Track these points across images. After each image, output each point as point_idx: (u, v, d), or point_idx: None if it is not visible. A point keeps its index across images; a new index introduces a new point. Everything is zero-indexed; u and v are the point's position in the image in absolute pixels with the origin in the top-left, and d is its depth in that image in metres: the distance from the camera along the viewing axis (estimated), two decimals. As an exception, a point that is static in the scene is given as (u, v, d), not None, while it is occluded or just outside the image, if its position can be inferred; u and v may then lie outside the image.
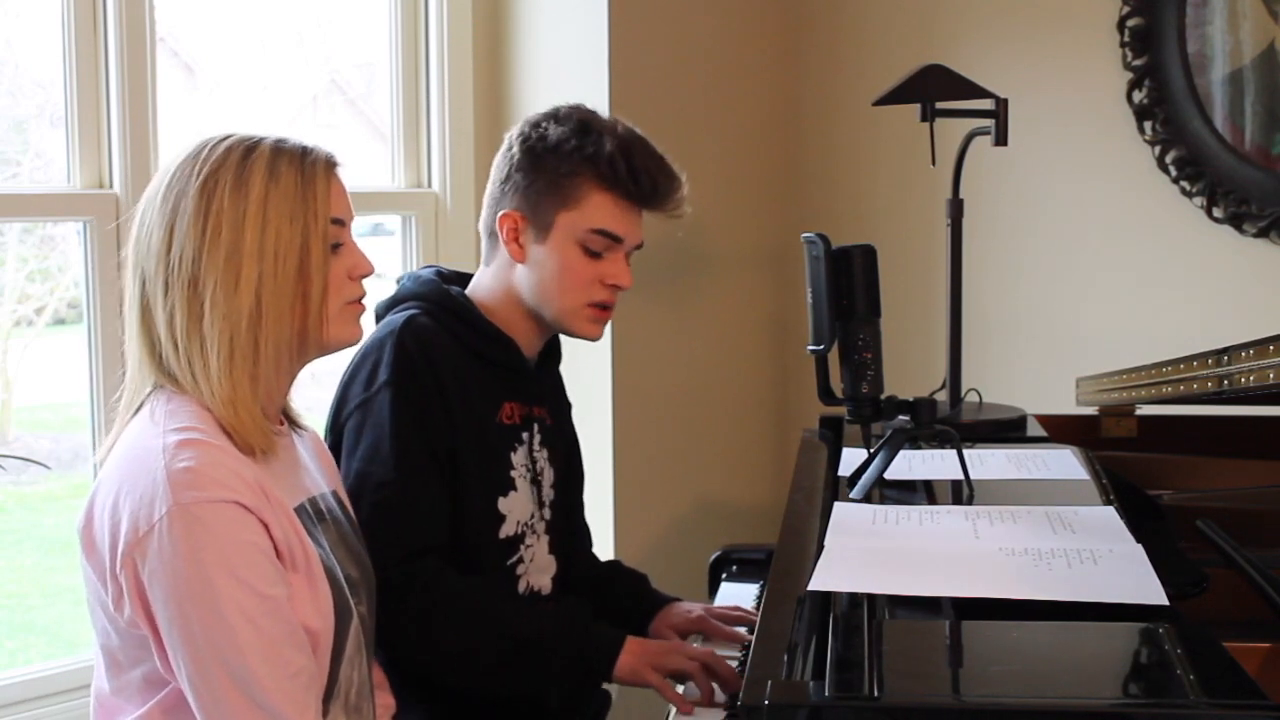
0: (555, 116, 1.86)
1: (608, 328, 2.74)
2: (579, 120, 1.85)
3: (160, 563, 1.33)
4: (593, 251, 1.84)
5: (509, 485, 1.86)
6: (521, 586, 1.89)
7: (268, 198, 1.44)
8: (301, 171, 1.46)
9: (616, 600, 2.04)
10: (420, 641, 1.74)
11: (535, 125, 1.86)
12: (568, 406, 2.07)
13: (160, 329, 1.44)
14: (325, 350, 1.53)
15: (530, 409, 1.91)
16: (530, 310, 1.88)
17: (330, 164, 1.50)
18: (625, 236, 1.85)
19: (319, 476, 1.60)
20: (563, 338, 2.00)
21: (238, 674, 1.33)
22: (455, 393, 1.79)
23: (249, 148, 1.45)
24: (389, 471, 1.75)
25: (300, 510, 1.48)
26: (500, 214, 1.86)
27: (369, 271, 1.54)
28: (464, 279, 1.94)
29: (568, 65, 2.81)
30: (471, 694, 1.82)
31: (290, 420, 1.59)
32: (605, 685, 2.04)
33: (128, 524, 1.35)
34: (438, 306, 1.84)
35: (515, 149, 1.86)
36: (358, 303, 1.54)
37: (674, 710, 1.77)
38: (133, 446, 1.41)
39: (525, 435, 1.90)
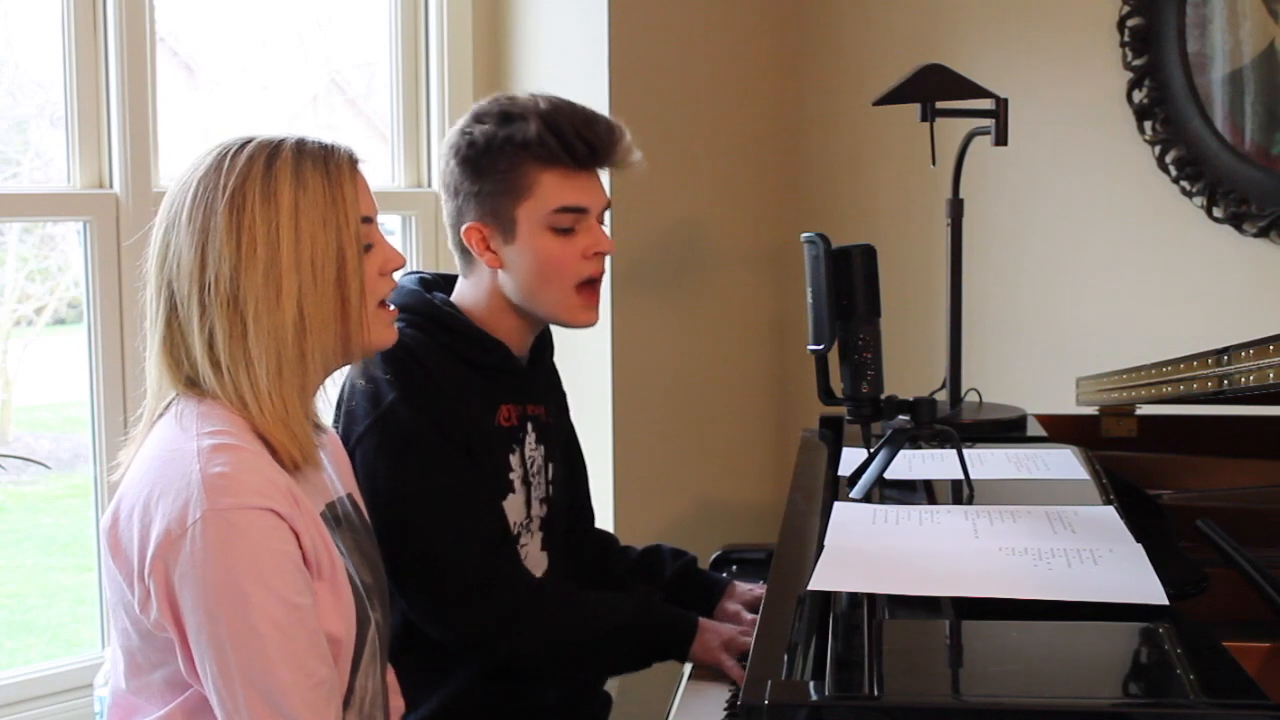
0: (477, 117, 1.84)
1: (607, 329, 2.77)
2: (499, 112, 1.82)
3: (191, 567, 1.33)
4: (564, 229, 1.82)
5: (506, 489, 1.86)
6: None
7: (298, 207, 1.42)
8: (327, 175, 1.45)
9: (675, 588, 2.06)
10: (503, 638, 1.77)
11: (462, 133, 1.84)
12: (564, 398, 2.07)
13: (196, 352, 1.42)
14: (364, 355, 1.52)
15: (525, 408, 1.91)
16: (519, 309, 1.87)
17: (353, 162, 1.49)
18: (588, 205, 1.83)
19: (336, 479, 1.59)
20: (554, 330, 2.00)
21: (262, 681, 1.33)
22: (454, 401, 1.79)
23: (270, 155, 1.44)
24: (433, 480, 1.75)
25: (321, 515, 1.48)
26: (464, 229, 1.84)
27: (401, 264, 1.54)
28: (449, 281, 1.94)
29: (568, 65, 2.81)
30: (478, 693, 1.84)
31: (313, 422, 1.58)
32: (606, 686, 2.05)
33: (160, 526, 1.34)
34: (424, 318, 1.83)
35: (452, 163, 1.84)
36: (386, 304, 1.54)
37: (677, 706, 1.78)
38: (163, 449, 1.40)
39: (521, 435, 1.90)
